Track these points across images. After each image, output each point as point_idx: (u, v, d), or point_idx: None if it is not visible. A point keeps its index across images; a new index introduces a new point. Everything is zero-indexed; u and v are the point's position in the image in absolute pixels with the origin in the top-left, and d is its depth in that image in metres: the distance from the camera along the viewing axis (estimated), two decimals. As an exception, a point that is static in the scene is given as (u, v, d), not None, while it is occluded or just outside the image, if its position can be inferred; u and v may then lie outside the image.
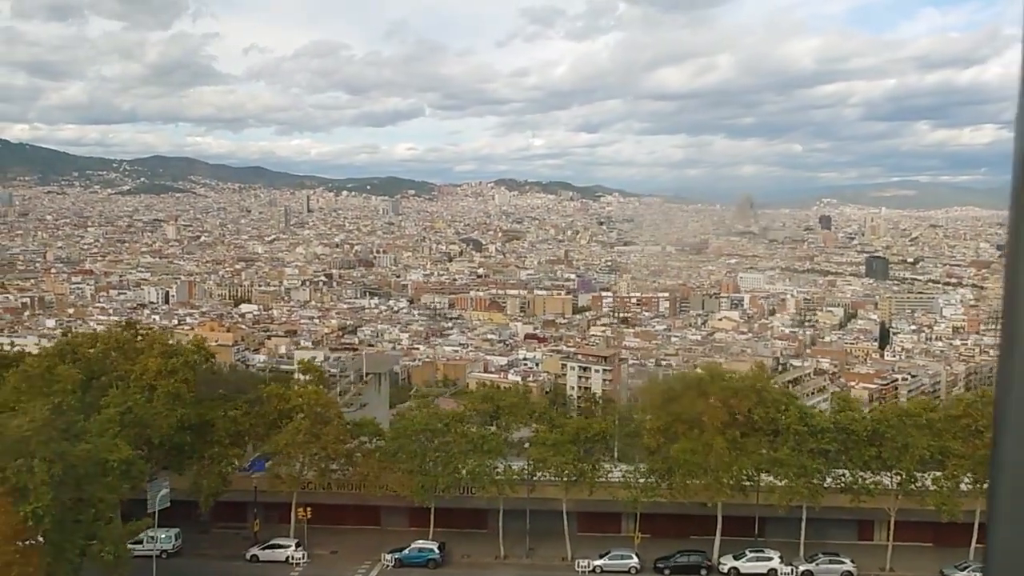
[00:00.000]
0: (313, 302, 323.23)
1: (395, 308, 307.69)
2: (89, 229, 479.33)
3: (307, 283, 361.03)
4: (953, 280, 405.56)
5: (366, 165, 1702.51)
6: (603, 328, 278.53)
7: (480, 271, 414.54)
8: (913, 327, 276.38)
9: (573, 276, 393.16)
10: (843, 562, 58.00)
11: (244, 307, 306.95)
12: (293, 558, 58.95)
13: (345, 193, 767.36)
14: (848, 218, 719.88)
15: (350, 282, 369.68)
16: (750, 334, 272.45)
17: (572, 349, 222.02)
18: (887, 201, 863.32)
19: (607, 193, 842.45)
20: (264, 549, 59.65)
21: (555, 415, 66.16)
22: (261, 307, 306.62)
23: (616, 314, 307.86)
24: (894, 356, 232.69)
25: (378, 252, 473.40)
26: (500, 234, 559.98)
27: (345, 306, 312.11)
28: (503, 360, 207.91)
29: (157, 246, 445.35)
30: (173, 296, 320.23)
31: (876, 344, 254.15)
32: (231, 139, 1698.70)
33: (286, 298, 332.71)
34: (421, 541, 59.57)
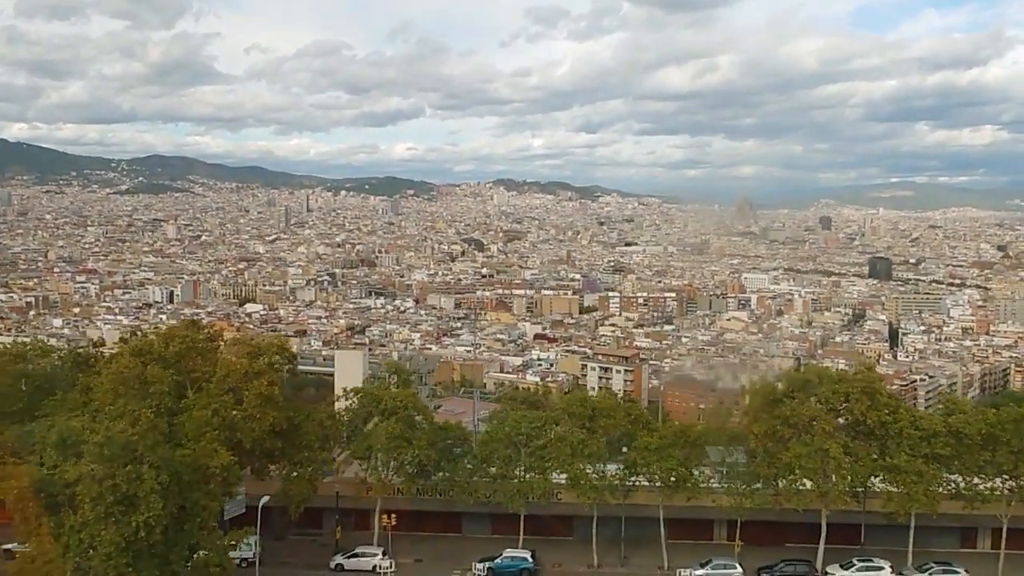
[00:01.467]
0: (319, 302, 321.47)
1: (401, 308, 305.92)
2: (89, 228, 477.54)
3: (311, 283, 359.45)
4: (957, 281, 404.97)
5: (364, 165, 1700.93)
6: (612, 328, 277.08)
7: (484, 271, 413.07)
8: (922, 328, 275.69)
9: (577, 276, 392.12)
10: (957, 572, 54.90)
11: (249, 307, 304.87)
12: (380, 567, 56.37)
13: (344, 193, 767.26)
14: (847, 219, 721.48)
15: (354, 282, 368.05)
16: (760, 334, 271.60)
17: (584, 349, 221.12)
18: (885, 202, 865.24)
19: (606, 193, 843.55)
20: (349, 557, 57.10)
21: (650, 419, 64.31)
22: (267, 307, 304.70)
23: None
24: (907, 357, 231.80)
25: (380, 252, 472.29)
26: (501, 234, 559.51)
27: (351, 306, 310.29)
28: (518, 360, 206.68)
29: (158, 245, 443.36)
30: (178, 296, 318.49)
31: (887, 345, 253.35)
32: (230, 139, 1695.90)
33: (291, 298, 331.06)
34: (511, 549, 56.99)
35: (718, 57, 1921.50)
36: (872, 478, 54.00)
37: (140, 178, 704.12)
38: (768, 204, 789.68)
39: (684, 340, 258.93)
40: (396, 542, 58.85)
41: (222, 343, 59.94)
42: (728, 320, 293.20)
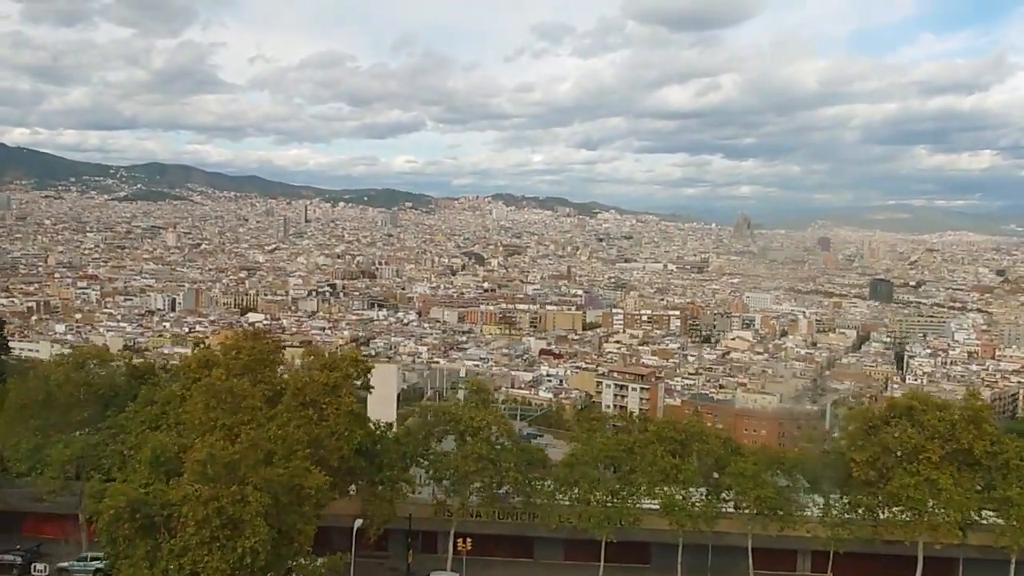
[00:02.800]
0: (321, 312, 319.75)
1: (404, 320, 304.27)
2: (88, 234, 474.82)
3: (313, 293, 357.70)
4: (958, 304, 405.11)
5: (363, 177, 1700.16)
6: (617, 344, 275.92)
7: (485, 285, 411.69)
8: (928, 351, 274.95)
9: (580, 292, 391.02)
10: None
11: (251, 316, 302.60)
12: None
13: (342, 204, 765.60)
14: (844, 240, 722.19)
15: (356, 293, 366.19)
16: (765, 354, 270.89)
17: (591, 366, 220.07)
18: (881, 224, 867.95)
19: (604, 210, 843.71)
20: None
21: (737, 443, 62.51)
22: (268, 316, 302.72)
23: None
24: (916, 380, 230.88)
25: (380, 264, 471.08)
26: (501, 248, 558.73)
27: (354, 317, 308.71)
28: (528, 376, 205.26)
29: (158, 253, 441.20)
30: (180, 303, 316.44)
31: (894, 367, 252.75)
32: (230, 147, 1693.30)
33: (293, 308, 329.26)
34: None
35: (720, 76, 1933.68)
36: (979, 510, 52.23)
37: (139, 185, 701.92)
38: (765, 224, 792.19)
39: (690, 359, 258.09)
40: (468, 567, 56.45)
41: (285, 354, 58.14)
42: (733, 339, 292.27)
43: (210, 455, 35.92)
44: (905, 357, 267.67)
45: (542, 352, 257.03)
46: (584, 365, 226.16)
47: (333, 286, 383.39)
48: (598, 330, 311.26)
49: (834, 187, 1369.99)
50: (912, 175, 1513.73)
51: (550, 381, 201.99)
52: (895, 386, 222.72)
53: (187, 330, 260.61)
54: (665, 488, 53.96)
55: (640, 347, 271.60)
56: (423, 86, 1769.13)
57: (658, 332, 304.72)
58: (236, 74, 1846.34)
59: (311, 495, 41.02)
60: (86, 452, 53.64)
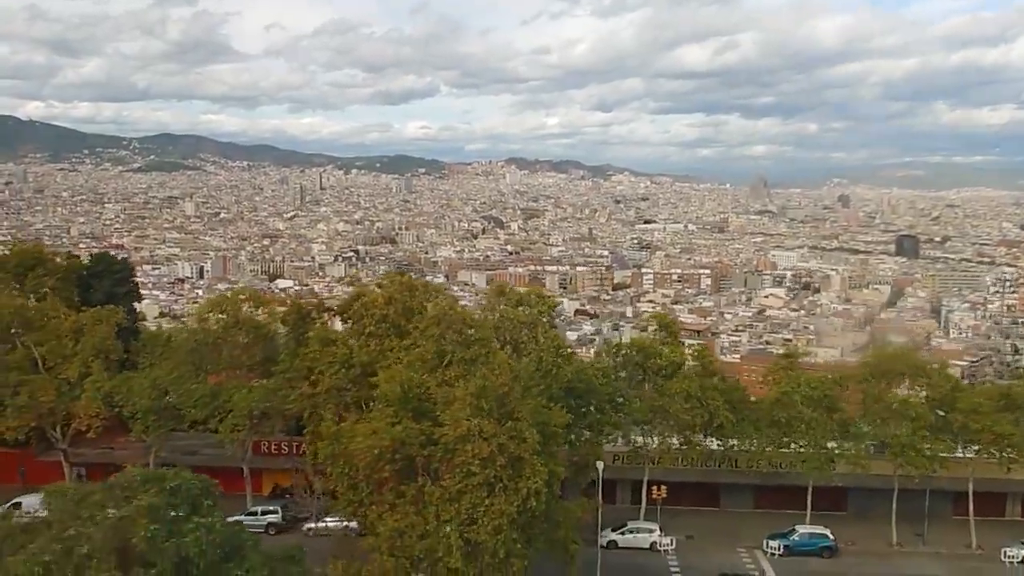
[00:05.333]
0: (348, 277, 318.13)
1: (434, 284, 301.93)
2: (107, 205, 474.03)
3: (338, 259, 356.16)
4: (986, 259, 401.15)
5: (375, 144, 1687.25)
6: (651, 303, 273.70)
7: (509, 248, 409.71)
8: (966, 305, 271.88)
9: (605, 253, 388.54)
10: None
11: (280, 282, 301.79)
12: (660, 544, 50.46)
13: (355, 171, 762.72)
14: (861, 197, 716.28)
15: (381, 258, 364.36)
16: (801, 311, 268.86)
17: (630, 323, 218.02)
18: (898, 181, 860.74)
19: (618, 172, 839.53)
20: (624, 534, 51.42)
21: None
22: (297, 282, 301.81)
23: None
24: (960, 334, 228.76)
25: (400, 229, 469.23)
26: (519, 212, 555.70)
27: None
28: (573, 336, 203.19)
29: (179, 222, 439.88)
30: (208, 271, 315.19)
31: (935, 322, 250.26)
32: (243, 117, 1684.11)
33: (320, 273, 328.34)
34: (802, 526, 52.07)
35: (738, 35, 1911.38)
36: None
37: (152, 156, 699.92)
38: (780, 183, 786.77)
39: (727, 316, 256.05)
40: (653, 517, 53.18)
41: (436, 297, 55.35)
42: (766, 297, 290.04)
43: (483, 387, 32.75)
44: (943, 312, 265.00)
45: (577, 312, 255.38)
46: (621, 324, 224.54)
47: (356, 251, 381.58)
48: (628, 290, 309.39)
49: (851, 145, 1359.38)
50: (930, 131, 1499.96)
51: (594, 341, 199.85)
52: (940, 340, 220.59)
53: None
54: (891, 426, 50.26)
55: (674, 306, 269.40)
56: (437, 51, 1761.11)
57: (689, 291, 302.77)
58: (251, 43, 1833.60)
59: (558, 433, 38.32)
60: (267, 397, 51.32)
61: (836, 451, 51.03)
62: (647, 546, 51.39)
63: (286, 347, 56.96)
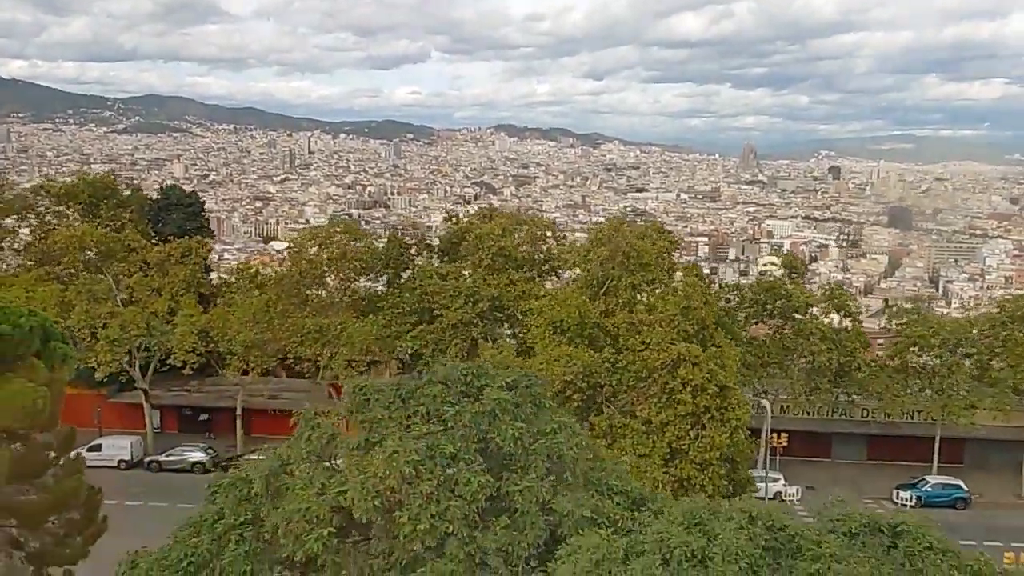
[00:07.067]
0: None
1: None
2: (93, 166, 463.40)
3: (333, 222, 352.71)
4: (978, 232, 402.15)
5: (363, 109, 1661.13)
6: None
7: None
8: (965, 276, 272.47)
9: (600, 220, 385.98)
10: None
11: (275, 244, 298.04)
12: (786, 494, 49.96)
13: (343, 136, 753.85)
14: (848, 170, 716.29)
15: (377, 221, 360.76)
16: (800, 279, 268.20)
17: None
18: (885, 154, 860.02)
19: (607, 140, 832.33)
20: None
21: None
22: (293, 245, 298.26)
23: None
24: (959, 304, 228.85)
25: (392, 194, 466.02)
26: (510, 179, 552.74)
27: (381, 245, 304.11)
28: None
29: (168, 183, 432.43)
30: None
31: (935, 291, 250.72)
32: (231, 79, 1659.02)
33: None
34: (933, 476, 50.97)
35: (735, 3, 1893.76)
36: None
37: (137, 117, 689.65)
38: (769, 155, 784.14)
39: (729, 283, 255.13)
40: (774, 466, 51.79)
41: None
42: (765, 265, 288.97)
43: (687, 308, 30.90)
44: (941, 282, 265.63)
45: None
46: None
47: (349, 215, 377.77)
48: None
49: (840, 118, 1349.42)
50: (919, 105, 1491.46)
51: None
52: (942, 309, 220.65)
53: (217, 258, 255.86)
54: None
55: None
56: (430, 14, 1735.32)
57: (688, 258, 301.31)
58: (241, 3, 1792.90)
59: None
60: (380, 332, 49.66)
61: (974, 398, 49.77)
62: (771, 495, 50.15)
63: (388, 283, 55.51)
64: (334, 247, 55.24)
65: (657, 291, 40.80)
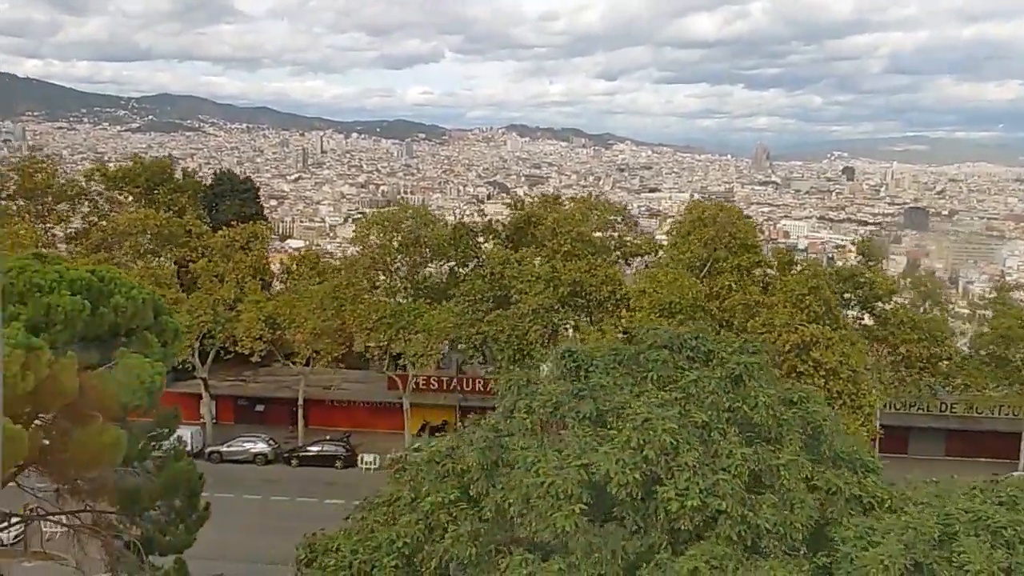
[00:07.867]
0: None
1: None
2: (109, 164, 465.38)
3: (348, 220, 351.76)
4: (995, 233, 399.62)
5: (374, 108, 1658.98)
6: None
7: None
8: (984, 276, 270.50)
9: (616, 219, 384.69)
10: None
11: (291, 242, 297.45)
12: None
13: (355, 135, 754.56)
14: (862, 171, 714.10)
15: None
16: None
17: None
18: (898, 156, 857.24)
19: (619, 141, 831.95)
20: None
21: None
22: (310, 242, 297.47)
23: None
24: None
25: (405, 193, 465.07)
26: (523, 178, 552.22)
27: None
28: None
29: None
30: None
31: (956, 291, 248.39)
32: (244, 79, 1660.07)
33: (331, 235, 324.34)
34: (1019, 474, 49.49)
35: (750, 4, 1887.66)
36: None
37: (150, 116, 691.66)
38: (782, 156, 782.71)
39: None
40: None
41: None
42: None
43: (816, 286, 29.57)
44: (961, 283, 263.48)
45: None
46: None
47: (364, 214, 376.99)
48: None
49: (854, 119, 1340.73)
50: (934, 106, 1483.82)
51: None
52: (964, 310, 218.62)
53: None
54: None
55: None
56: (443, 13, 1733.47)
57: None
58: (254, 4, 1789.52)
59: None
60: (455, 319, 48.40)
61: None
62: None
63: (451, 270, 54.27)
64: (405, 231, 53.87)
65: (769, 272, 39.29)
